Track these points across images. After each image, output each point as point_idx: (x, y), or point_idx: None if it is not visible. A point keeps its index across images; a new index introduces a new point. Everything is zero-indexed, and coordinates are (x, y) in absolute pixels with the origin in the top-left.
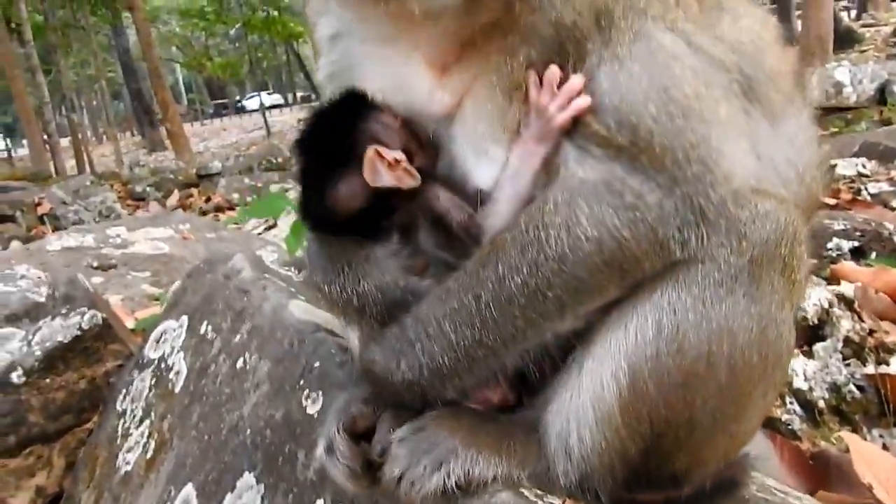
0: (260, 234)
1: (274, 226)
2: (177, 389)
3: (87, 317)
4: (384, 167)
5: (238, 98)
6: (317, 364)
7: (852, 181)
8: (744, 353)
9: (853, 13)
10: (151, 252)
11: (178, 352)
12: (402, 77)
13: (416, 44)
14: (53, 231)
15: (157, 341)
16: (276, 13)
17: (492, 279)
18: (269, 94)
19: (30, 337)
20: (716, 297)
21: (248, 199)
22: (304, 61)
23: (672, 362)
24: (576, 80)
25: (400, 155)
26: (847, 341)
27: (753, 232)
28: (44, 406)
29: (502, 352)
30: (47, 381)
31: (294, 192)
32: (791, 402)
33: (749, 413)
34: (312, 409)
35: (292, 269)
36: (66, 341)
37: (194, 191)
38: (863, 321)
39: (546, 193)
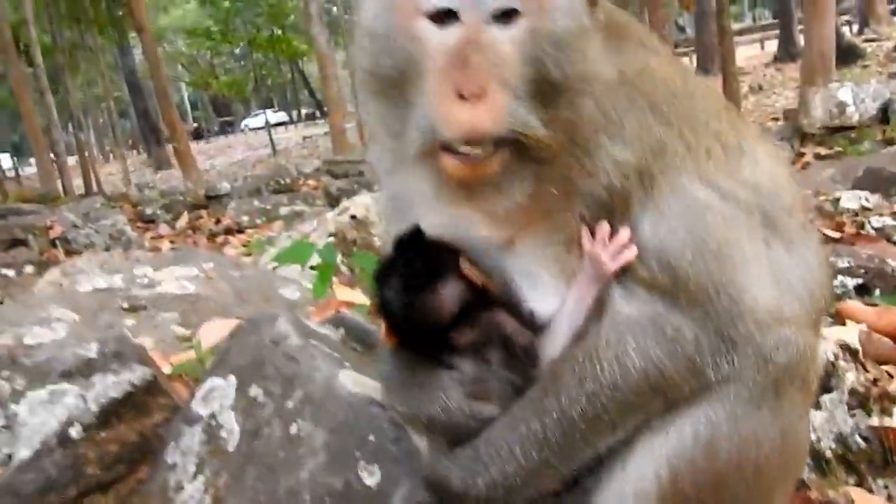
0: (274, 268)
1: None
2: (230, 448)
3: (137, 373)
4: (476, 274)
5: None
6: (371, 437)
7: (856, 214)
8: (768, 458)
9: (855, 28)
10: (178, 292)
11: (229, 411)
12: (458, 220)
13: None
14: (66, 255)
15: (205, 399)
16: (280, 32)
17: (555, 408)
18: (273, 111)
19: (84, 393)
20: (744, 412)
21: (258, 221)
22: (308, 79)
23: (706, 465)
24: (624, 234)
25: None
26: (852, 392)
27: (777, 356)
28: (100, 458)
29: (565, 467)
30: (103, 435)
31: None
32: None
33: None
34: (370, 481)
35: (329, 326)
36: (119, 397)
37: (203, 212)
38: (867, 370)
39: (598, 330)
